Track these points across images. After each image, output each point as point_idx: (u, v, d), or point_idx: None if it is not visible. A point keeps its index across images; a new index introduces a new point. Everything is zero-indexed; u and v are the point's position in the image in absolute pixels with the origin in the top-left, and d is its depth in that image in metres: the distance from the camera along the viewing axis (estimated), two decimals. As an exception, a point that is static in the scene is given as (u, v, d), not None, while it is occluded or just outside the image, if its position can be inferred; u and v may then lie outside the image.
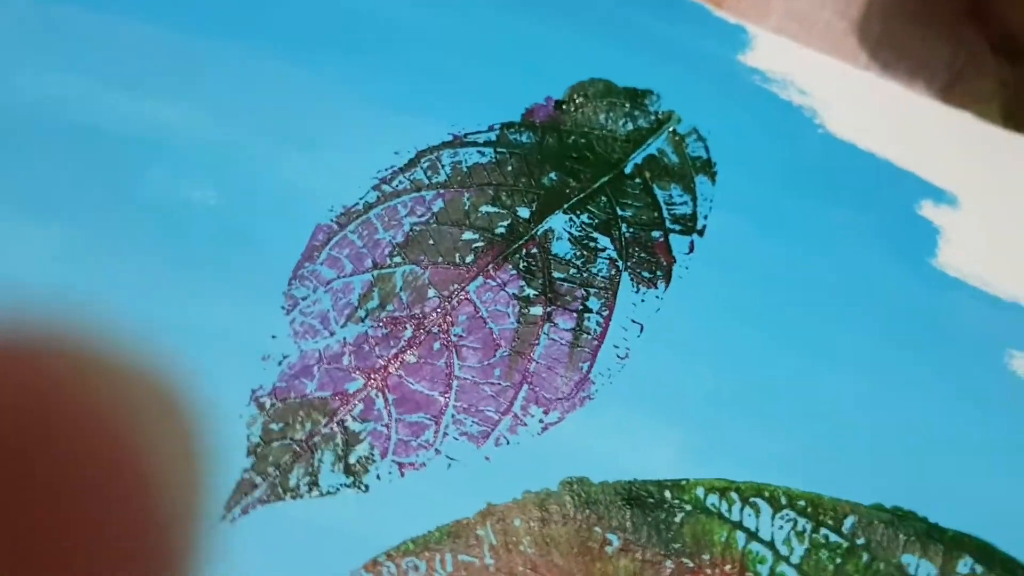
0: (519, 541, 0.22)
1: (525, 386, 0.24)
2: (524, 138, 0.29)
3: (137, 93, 0.27)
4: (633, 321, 0.26)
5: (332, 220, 0.26)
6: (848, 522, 0.24)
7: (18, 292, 0.23)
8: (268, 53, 0.28)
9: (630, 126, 0.30)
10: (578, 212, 0.27)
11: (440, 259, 0.25)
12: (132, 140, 0.26)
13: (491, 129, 0.28)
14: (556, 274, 0.26)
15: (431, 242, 0.26)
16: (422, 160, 0.27)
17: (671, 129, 0.30)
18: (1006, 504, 0.25)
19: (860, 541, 0.24)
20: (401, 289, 0.25)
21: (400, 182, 0.27)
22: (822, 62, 0.32)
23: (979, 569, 0.24)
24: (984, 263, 0.29)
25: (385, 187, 0.27)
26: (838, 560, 0.23)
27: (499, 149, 0.28)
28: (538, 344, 0.25)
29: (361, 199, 0.26)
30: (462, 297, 0.25)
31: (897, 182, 0.31)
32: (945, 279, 0.29)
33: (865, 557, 0.24)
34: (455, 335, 0.24)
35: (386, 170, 0.27)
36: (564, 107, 0.30)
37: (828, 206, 0.30)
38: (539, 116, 0.29)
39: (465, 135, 0.28)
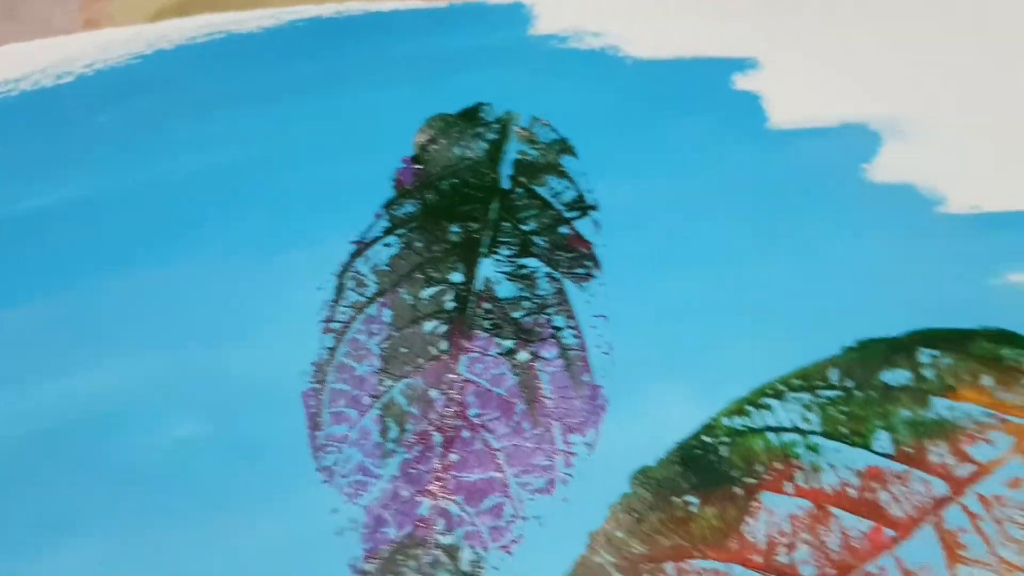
0: (630, 546, 0.25)
1: (555, 424, 0.27)
2: (410, 208, 0.30)
3: (58, 373, 0.27)
4: (596, 316, 0.29)
5: (311, 383, 0.27)
6: (833, 375, 0.29)
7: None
8: (148, 266, 0.28)
9: (484, 144, 0.32)
10: (496, 250, 0.30)
11: (421, 360, 0.27)
12: (84, 423, 0.26)
13: (379, 217, 0.30)
14: (515, 315, 0.28)
15: (404, 350, 0.28)
16: (346, 281, 0.29)
17: (516, 128, 0.32)
18: (917, 293, 0.30)
19: (849, 383, 0.29)
20: (408, 406, 0.27)
21: (342, 312, 0.28)
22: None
23: (935, 352, 0.29)
24: (807, 102, 0.34)
25: (334, 325, 0.28)
26: (844, 408, 0.28)
27: (398, 232, 0.30)
28: (542, 383, 0.27)
29: (322, 348, 0.28)
30: (460, 381, 0.27)
31: (705, 71, 0.34)
32: (787, 135, 0.33)
33: (859, 394, 0.29)
34: (474, 416, 0.27)
35: (323, 308, 0.28)
36: (421, 159, 0.31)
37: (671, 123, 0.33)
38: (407, 180, 0.31)
39: (364, 236, 0.29)
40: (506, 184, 0.31)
